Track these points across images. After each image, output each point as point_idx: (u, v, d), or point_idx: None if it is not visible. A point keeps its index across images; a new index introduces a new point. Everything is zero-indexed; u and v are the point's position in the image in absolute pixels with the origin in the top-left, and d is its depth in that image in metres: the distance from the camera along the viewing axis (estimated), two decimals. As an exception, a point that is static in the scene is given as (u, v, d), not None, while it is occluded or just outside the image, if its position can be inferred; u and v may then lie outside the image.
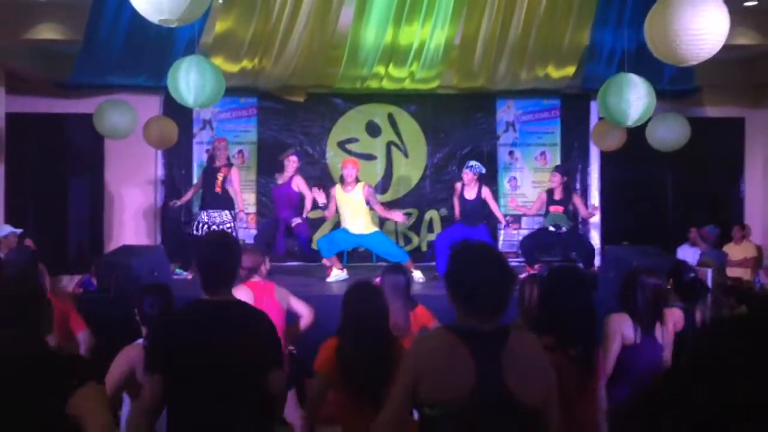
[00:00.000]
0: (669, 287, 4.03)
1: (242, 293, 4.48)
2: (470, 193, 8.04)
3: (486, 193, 8.09)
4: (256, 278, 4.60)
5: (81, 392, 2.05)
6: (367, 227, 7.60)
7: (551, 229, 8.18)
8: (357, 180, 7.54)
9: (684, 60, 4.72)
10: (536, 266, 7.77)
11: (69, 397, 2.04)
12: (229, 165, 8.14)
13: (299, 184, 7.99)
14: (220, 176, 7.99)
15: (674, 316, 3.96)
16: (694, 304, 4.26)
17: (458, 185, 8.18)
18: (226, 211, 7.96)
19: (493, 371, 2.11)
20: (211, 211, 7.90)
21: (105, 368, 3.41)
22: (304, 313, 4.66)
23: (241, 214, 8.24)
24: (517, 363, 2.14)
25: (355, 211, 7.51)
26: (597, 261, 8.48)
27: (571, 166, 9.90)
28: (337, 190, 7.58)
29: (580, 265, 8.34)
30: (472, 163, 8.16)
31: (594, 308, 3.02)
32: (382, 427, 2.23)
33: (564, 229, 8.17)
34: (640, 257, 6.38)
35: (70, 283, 8.40)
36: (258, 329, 2.70)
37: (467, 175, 8.04)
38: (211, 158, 8.21)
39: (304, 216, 8.04)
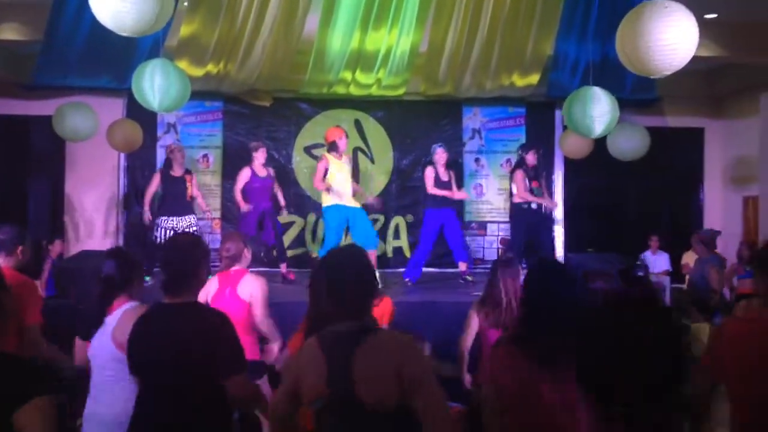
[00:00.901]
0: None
1: (210, 284, 4.44)
2: (445, 175, 7.97)
3: (452, 174, 8.11)
4: (236, 267, 4.49)
5: (27, 407, 1.97)
6: (353, 200, 7.50)
7: (533, 207, 8.13)
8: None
9: (657, 71, 4.80)
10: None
11: (15, 410, 1.96)
12: (189, 172, 8.12)
13: (275, 177, 8.08)
14: (189, 185, 7.96)
15: None
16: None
17: (431, 171, 7.95)
18: (192, 215, 7.94)
19: (343, 371, 2.21)
20: (176, 217, 7.81)
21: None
22: (259, 322, 4.43)
23: (209, 214, 8.41)
24: (369, 363, 2.20)
25: (347, 180, 7.41)
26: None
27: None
28: (331, 160, 7.32)
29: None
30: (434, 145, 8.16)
31: (569, 305, 2.82)
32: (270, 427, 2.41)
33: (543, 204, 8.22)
34: (602, 265, 6.48)
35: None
36: (212, 334, 2.67)
37: (443, 154, 7.95)
38: (169, 164, 8.04)
39: (283, 205, 8.15)
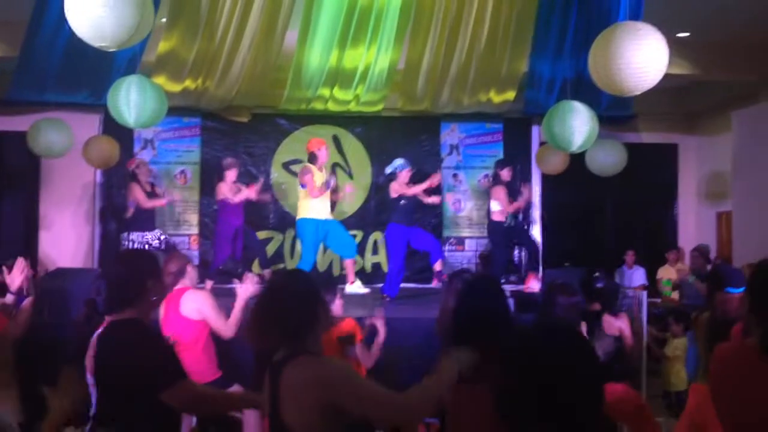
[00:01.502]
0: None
1: (160, 308, 4.42)
2: (410, 191, 7.77)
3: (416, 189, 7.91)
4: (180, 285, 4.45)
5: None
6: (330, 214, 7.38)
7: (511, 222, 8.16)
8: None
9: (627, 91, 4.93)
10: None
11: None
12: (153, 185, 8.14)
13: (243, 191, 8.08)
14: (160, 197, 7.98)
15: None
16: (608, 307, 4.44)
17: (397, 185, 7.71)
18: (158, 230, 8.02)
19: (273, 401, 2.22)
20: (147, 232, 7.76)
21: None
22: (221, 330, 4.39)
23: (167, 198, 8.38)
24: (288, 391, 2.19)
25: (326, 194, 7.32)
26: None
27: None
28: (315, 172, 7.21)
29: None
30: (399, 161, 7.87)
31: (492, 322, 2.75)
32: None
33: (518, 220, 8.28)
34: (575, 279, 6.50)
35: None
36: (141, 350, 2.62)
37: (408, 174, 7.72)
38: (135, 178, 7.89)
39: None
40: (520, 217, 8.48)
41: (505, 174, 8.17)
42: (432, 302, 7.86)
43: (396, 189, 7.75)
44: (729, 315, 3.84)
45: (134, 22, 4.40)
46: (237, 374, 4.57)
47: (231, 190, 7.88)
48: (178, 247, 8.78)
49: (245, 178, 8.76)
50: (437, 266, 7.95)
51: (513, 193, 8.33)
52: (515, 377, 1.49)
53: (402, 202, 7.81)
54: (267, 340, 2.30)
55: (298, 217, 7.37)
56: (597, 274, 4.78)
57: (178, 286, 4.44)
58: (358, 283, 7.35)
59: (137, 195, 7.80)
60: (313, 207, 7.24)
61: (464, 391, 2.58)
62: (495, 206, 8.11)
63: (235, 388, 4.43)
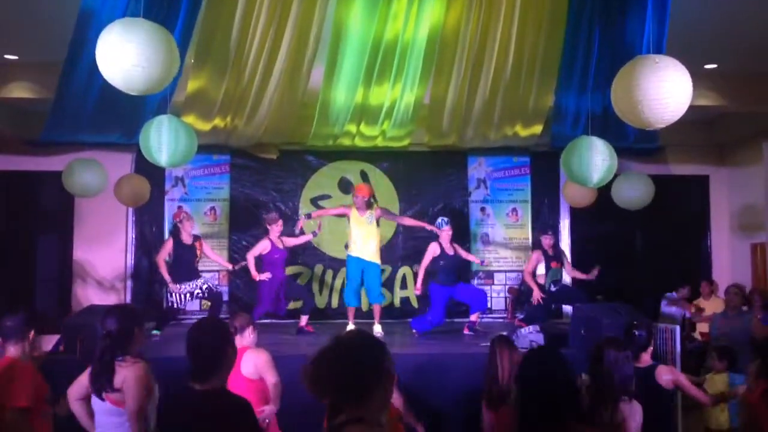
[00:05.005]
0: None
1: None
2: (450, 249, 7.98)
3: (456, 247, 8.11)
4: (238, 343, 4.45)
5: None
6: (374, 255, 7.88)
7: (552, 288, 8.20)
8: (368, 205, 7.96)
9: (650, 124, 4.87)
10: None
11: None
12: (198, 238, 8.17)
13: (289, 243, 8.32)
14: (198, 253, 8.04)
15: None
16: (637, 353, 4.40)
17: (437, 245, 7.96)
18: (200, 279, 8.01)
19: None
20: (187, 282, 7.79)
21: None
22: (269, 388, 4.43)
23: (233, 267, 8.58)
24: None
25: (368, 234, 7.86)
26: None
27: (545, 223, 9.98)
28: (353, 213, 7.95)
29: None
30: (440, 219, 8.16)
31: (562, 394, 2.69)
32: None
33: (560, 284, 8.29)
34: (610, 316, 6.42)
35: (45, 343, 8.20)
36: (233, 425, 2.64)
37: (449, 231, 7.97)
38: (177, 231, 8.00)
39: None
40: (561, 278, 8.45)
41: (546, 241, 8.33)
42: (457, 338, 7.81)
43: (431, 252, 7.97)
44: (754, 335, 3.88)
45: (164, 76, 4.63)
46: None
47: (276, 243, 8.05)
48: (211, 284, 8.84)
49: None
50: (474, 317, 8.11)
51: (555, 258, 8.38)
52: None
53: (441, 262, 7.86)
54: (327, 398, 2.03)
55: (347, 253, 8.14)
56: (636, 322, 4.73)
57: (238, 346, 4.48)
58: (379, 327, 7.87)
59: (161, 255, 7.88)
60: (352, 244, 7.92)
61: None
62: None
63: None
